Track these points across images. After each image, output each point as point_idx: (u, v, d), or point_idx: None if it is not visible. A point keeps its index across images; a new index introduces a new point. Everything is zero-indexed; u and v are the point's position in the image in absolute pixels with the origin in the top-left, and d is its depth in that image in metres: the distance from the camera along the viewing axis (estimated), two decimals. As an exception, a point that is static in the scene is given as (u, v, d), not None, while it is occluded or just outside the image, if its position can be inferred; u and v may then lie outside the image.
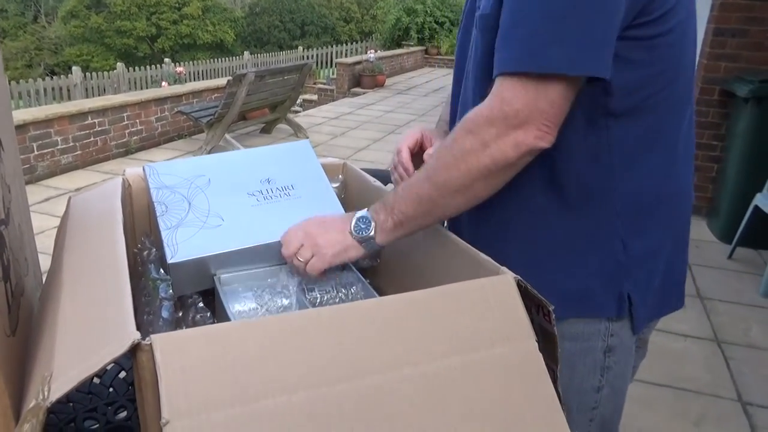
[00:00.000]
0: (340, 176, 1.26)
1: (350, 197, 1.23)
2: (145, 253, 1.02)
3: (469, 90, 0.94)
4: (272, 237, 0.97)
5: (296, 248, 0.89)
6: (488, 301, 0.73)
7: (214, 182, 1.04)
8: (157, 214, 0.98)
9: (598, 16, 0.75)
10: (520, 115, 0.76)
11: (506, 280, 0.75)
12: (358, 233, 0.87)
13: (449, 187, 0.82)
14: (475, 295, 0.73)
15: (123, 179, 1.08)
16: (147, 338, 0.58)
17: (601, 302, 0.91)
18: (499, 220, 0.92)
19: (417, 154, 1.03)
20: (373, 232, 0.87)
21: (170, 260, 0.92)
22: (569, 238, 0.90)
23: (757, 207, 3.19)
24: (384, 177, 1.40)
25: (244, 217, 1.00)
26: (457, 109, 1.01)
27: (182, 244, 0.94)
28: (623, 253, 0.89)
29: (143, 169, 1.05)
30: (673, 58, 0.84)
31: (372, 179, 1.15)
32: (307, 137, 6.29)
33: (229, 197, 1.03)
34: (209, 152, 5.36)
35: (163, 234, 0.95)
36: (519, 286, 0.74)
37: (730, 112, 3.77)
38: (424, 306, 0.71)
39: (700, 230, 3.86)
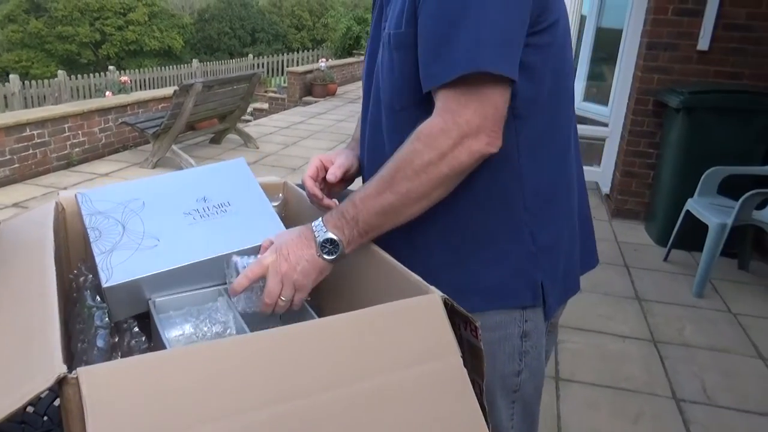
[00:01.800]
0: (281, 195, 1.28)
1: (291, 215, 1.24)
2: (81, 279, 1.01)
3: (382, 109, 0.97)
4: (209, 253, 0.98)
5: (278, 293, 0.90)
6: (416, 321, 0.76)
7: (148, 205, 1.04)
8: (91, 240, 0.97)
9: (517, 23, 0.83)
10: (471, 124, 0.82)
11: (433, 299, 0.78)
12: (329, 255, 0.89)
13: (411, 196, 0.86)
14: (404, 316, 0.76)
15: (56, 203, 1.07)
16: (73, 371, 0.59)
17: (517, 293, 0.97)
18: (421, 222, 0.95)
19: (324, 179, 1.10)
20: (341, 250, 0.89)
21: (105, 284, 0.91)
22: (485, 235, 0.95)
23: (688, 211, 3.36)
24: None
25: (181, 236, 1.01)
26: (366, 129, 1.04)
27: (117, 267, 0.94)
28: (533, 244, 0.96)
29: (75, 197, 1.04)
30: (560, 62, 0.93)
31: (312, 198, 1.17)
32: (257, 147, 6.24)
33: (164, 218, 1.03)
34: (156, 164, 5.25)
35: (98, 259, 0.94)
36: (446, 303, 0.78)
37: (664, 122, 3.96)
38: (355, 328, 0.74)
39: (638, 234, 4.04)
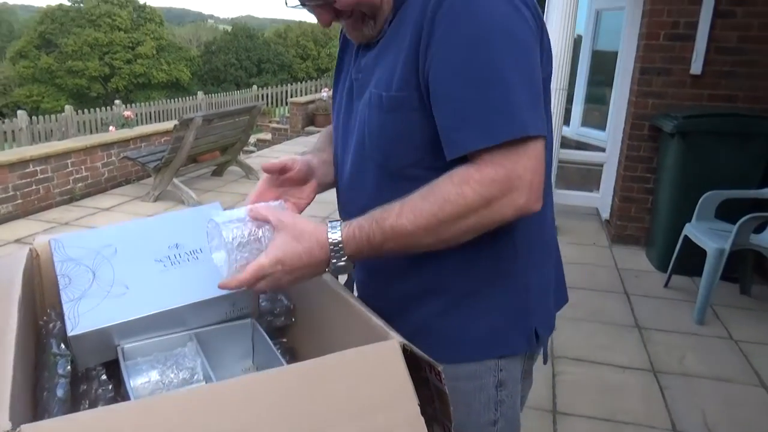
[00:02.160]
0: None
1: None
2: (51, 325, 1.01)
3: (372, 166, 0.95)
4: (178, 302, 0.98)
5: (264, 291, 0.89)
6: (373, 369, 0.75)
7: (120, 251, 1.05)
8: (60, 287, 0.97)
9: (540, 79, 0.86)
10: (523, 179, 0.81)
11: (392, 345, 0.77)
12: (335, 273, 0.89)
13: (445, 238, 0.85)
14: (361, 364, 0.76)
15: (30, 250, 1.07)
16: (17, 429, 0.58)
17: (510, 341, 0.98)
18: (416, 272, 0.96)
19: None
20: (347, 269, 0.88)
21: (70, 333, 0.91)
22: (478, 285, 0.95)
23: (687, 236, 3.34)
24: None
25: (150, 283, 1.01)
26: (346, 166, 1.01)
27: (84, 316, 0.94)
28: (525, 292, 0.97)
29: (49, 243, 1.05)
30: (547, 112, 0.94)
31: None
32: (259, 178, 6.27)
33: (135, 265, 1.03)
34: (157, 197, 5.29)
35: (65, 306, 0.95)
36: (405, 349, 0.77)
37: (660, 147, 3.96)
38: (314, 377, 0.73)
39: (639, 260, 4.01)
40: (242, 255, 0.88)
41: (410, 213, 0.83)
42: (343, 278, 1.10)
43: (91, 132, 10.44)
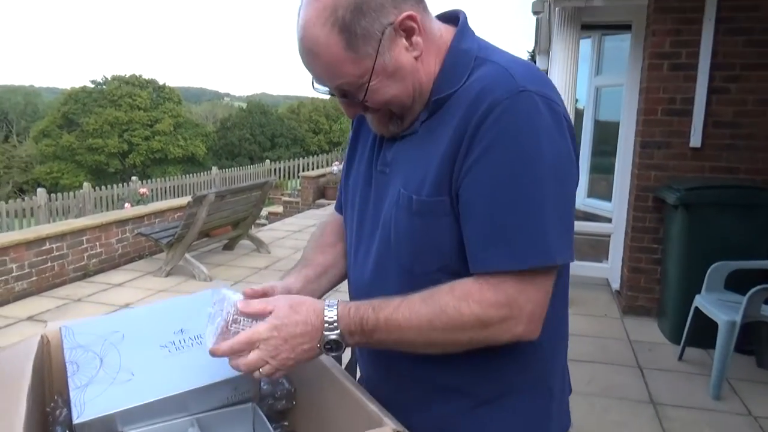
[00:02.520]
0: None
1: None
2: (57, 412, 1.03)
3: (395, 266, 0.94)
4: (181, 387, 1.00)
5: (258, 368, 0.86)
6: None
7: (127, 337, 1.08)
8: (68, 374, 1.00)
9: (570, 208, 0.86)
10: (524, 309, 0.82)
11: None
12: (329, 352, 0.88)
13: (434, 344, 0.86)
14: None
15: (42, 337, 1.11)
16: None
17: None
18: (441, 369, 0.94)
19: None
20: (343, 350, 0.89)
21: (75, 420, 0.94)
22: (503, 387, 0.95)
23: (698, 308, 3.31)
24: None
25: (155, 369, 1.04)
26: (368, 265, 0.99)
27: (89, 403, 0.96)
28: (549, 396, 0.97)
29: (59, 330, 1.09)
30: None
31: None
32: (269, 252, 6.36)
33: (141, 351, 1.06)
34: (169, 272, 5.36)
35: (72, 394, 0.98)
36: (400, 437, 0.79)
37: (665, 218, 3.99)
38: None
39: (651, 332, 3.95)
40: (238, 327, 0.89)
41: (407, 311, 0.84)
42: (345, 359, 1.11)
43: (107, 207, 10.69)
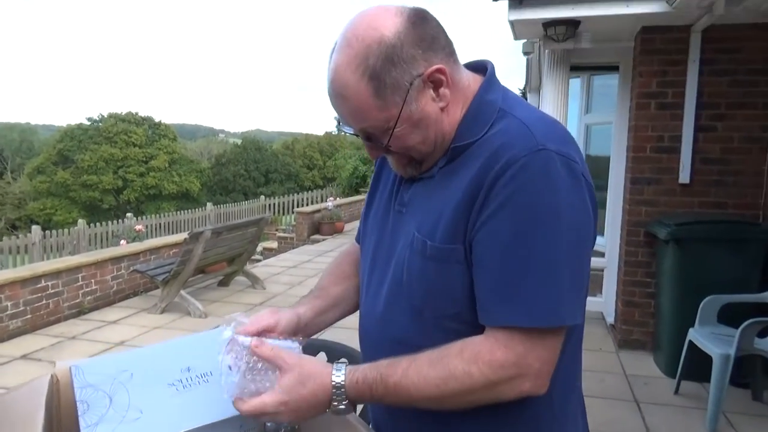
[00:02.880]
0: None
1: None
2: (66, 451, 1.05)
3: (408, 308, 0.95)
4: (188, 425, 1.02)
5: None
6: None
7: (136, 376, 1.11)
8: (79, 413, 1.03)
9: (584, 268, 0.87)
10: (532, 368, 0.83)
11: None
12: (336, 414, 0.90)
13: (445, 406, 0.87)
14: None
15: (51, 376, 1.14)
16: None
17: None
18: (457, 426, 0.95)
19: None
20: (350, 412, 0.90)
21: (86, 460, 0.96)
22: None
23: (691, 341, 3.34)
24: (335, 351, 1.46)
25: (164, 407, 1.06)
26: (380, 301, 1.00)
27: (99, 442, 0.98)
28: None
29: (69, 369, 1.11)
30: None
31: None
32: (264, 288, 6.36)
33: (149, 389, 1.09)
34: (164, 309, 5.34)
35: (82, 432, 1.00)
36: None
37: (657, 252, 4.05)
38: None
39: (647, 366, 3.96)
40: (251, 378, 0.93)
41: (415, 376, 0.84)
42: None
43: (102, 244, 10.67)
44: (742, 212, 3.91)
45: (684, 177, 4.00)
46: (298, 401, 0.87)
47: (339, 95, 0.89)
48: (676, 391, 3.51)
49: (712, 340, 3.17)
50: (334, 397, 0.87)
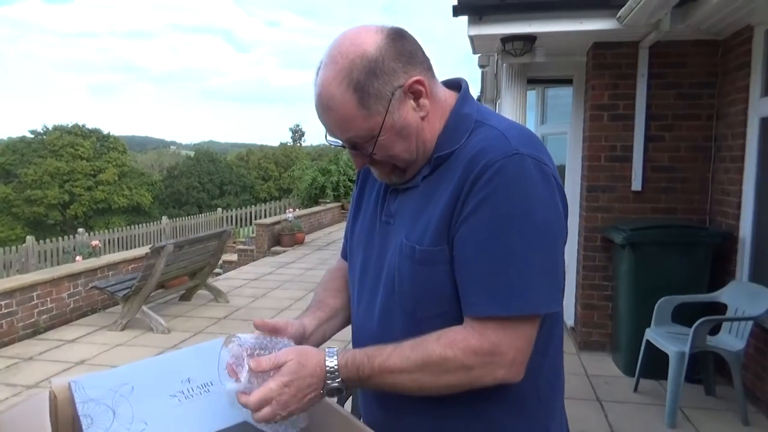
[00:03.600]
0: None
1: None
2: (69, 466, 1.06)
3: (401, 312, 1.00)
4: (193, 434, 1.05)
5: (270, 419, 0.93)
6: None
7: (137, 388, 1.12)
8: (83, 428, 1.04)
9: (557, 261, 0.93)
10: (506, 355, 0.88)
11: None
12: (331, 395, 0.95)
13: (425, 389, 0.93)
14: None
15: (50, 392, 1.14)
16: None
17: None
18: (445, 414, 1.00)
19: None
20: (343, 394, 0.96)
21: (94, 473, 0.97)
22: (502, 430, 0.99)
23: (648, 341, 3.50)
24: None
25: (167, 418, 1.08)
26: (374, 312, 1.05)
27: (106, 455, 1.00)
28: None
29: (69, 385, 1.12)
30: None
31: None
32: (228, 301, 6.28)
33: (152, 401, 1.10)
34: (125, 326, 5.22)
35: (89, 446, 1.01)
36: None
37: (613, 256, 4.24)
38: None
39: (606, 366, 4.13)
40: (256, 383, 0.96)
41: (397, 359, 0.92)
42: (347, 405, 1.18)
43: (52, 261, 10.29)
44: (690, 217, 4.14)
45: (636, 185, 4.21)
46: (299, 381, 0.92)
47: (326, 107, 0.95)
48: (636, 389, 3.67)
49: (668, 339, 3.34)
50: (328, 375, 0.93)
